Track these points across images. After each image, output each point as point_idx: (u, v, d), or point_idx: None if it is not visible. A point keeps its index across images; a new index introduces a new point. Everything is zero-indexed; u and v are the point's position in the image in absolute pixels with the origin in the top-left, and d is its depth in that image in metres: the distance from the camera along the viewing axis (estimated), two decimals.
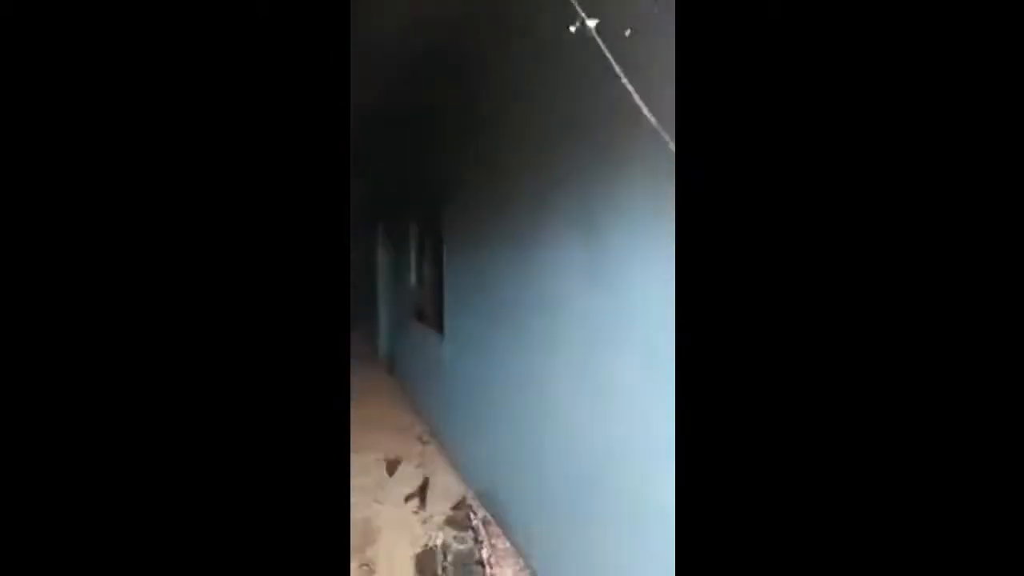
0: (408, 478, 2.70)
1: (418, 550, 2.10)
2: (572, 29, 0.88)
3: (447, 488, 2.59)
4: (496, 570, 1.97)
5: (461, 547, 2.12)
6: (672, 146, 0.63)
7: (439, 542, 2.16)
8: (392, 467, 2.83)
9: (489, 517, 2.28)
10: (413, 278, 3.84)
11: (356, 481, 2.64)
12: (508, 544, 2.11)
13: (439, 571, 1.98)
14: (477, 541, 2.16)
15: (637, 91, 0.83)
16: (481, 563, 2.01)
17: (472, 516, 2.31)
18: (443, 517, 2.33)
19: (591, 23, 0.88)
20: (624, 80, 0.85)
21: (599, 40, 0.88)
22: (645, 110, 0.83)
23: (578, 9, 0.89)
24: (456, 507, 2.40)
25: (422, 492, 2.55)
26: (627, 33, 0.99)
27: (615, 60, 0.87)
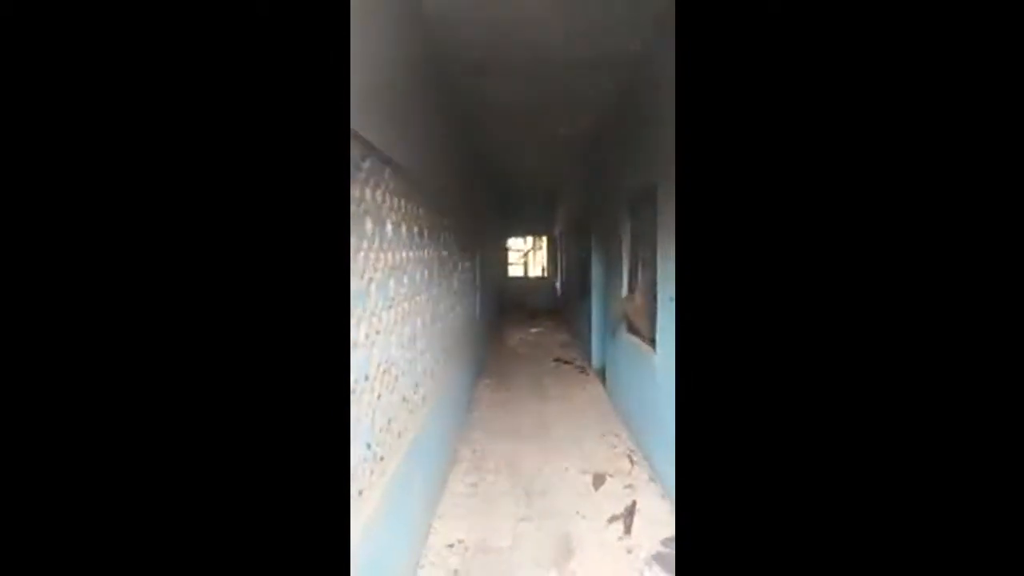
0: (614, 497, 2.54)
1: None
2: None
3: (656, 518, 2.32)
4: None
5: None
6: None
7: None
8: (599, 482, 2.72)
9: None
10: (626, 287, 3.68)
11: (560, 490, 2.64)
12: None
13: None
14: None
15: None
16: None
17: None
18: (651, 552, 2.08)
19: None
20: None
21: None
22: None
23: None
24: (666, 543, 2.12)
25: (628, 516, 2.36)
26: None
27: None
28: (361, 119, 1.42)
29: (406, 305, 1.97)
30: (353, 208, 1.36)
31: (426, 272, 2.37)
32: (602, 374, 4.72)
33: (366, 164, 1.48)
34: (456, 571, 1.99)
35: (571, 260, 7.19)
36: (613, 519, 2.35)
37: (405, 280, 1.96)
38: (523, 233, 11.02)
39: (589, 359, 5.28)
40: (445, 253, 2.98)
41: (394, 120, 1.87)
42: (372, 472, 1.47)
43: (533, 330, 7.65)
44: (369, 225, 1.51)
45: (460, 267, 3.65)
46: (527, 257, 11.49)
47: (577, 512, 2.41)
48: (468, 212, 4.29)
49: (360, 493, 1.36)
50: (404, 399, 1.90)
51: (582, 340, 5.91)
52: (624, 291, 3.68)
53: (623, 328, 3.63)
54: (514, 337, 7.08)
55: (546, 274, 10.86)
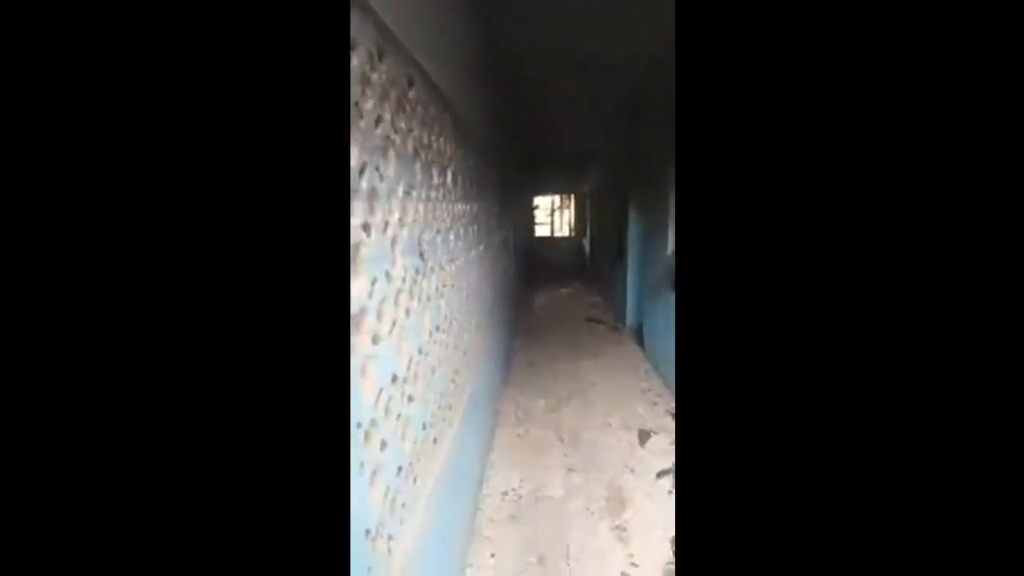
0: (660, 453, 2.56)
1: (673, 534, 1.96)
2: None
3: None
4: None
5: None
6: None
7: None
8: (644, 437, 2.74)
9: None
10: (670, 245, 3.57)
11: (606, 444, 2.67)
12: None
13: None
14: None
15: None
16: None
17: None
18: None
19: None
20: None
21: None
22: None
23: None
24: None
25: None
26: None
27: None
28: (429, 57, 1.33)
29: (462, 260, 1.94)
30: (424, 154, 1.30)
31: (476, 227, 2.32)
32: (637, 333, 4.69)
33: (431, 110, 1.41)
34: (514, 516, 2.05)
35: (603, 219, 7.01)
36: (662, 474, 2.37)
37: (463, 233, 1.92)
38: (550, 191, 10.77)
39: (623, 319, 5.24)
40: (492, 208, 2.91)
41: (450, 61, 1.76)
42: (444, 420, 1.49)
43: (563, 290, 7.61)
44: (434, 174, 1.45)
45: (500, 224, 3.59)
46: (554, 216, 11.28)
47: (625, 465, 2.45)
48: (505, 166, 4.17)
49: (435, 441, 1.38)
50: (464, 353, 1.90)
51: (614, 300, 5.85)
52: (669, 249, 3.57)
53: (666, 286, 3.55)
54: (544, 297, 7.06)
55: (574, 233, 10.68)
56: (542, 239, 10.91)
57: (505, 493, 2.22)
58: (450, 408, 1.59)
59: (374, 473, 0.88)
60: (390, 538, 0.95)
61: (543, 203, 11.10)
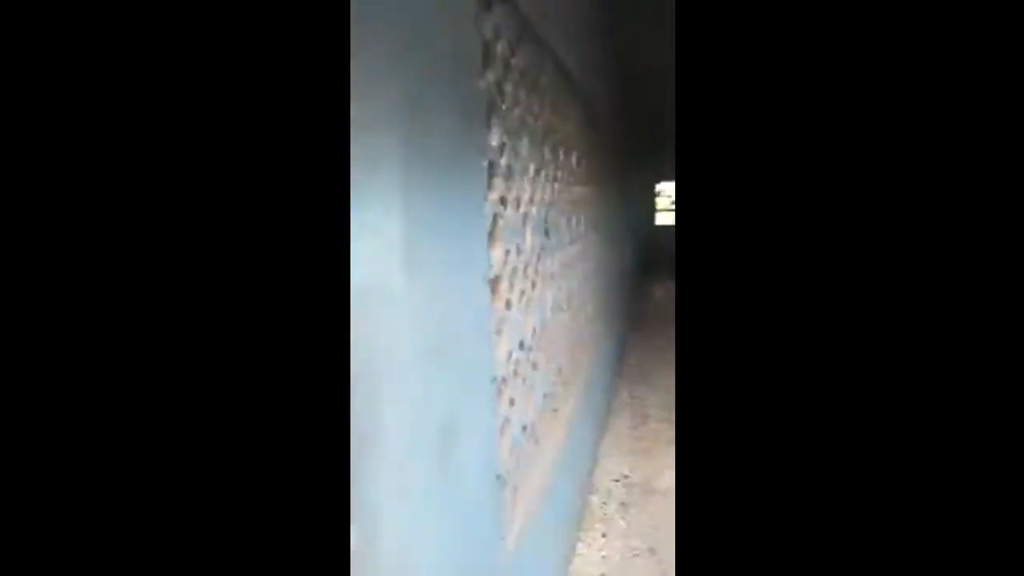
0: None
1: None
2: None
3: None
4: None
5: None
6: None
7: None
8: None
9: None
10: None
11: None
12: None
13: None
14: None
15: None
16: None
17: None
18: None
19: None
20: None
21: None
22: None
23: None
24: None
25: None
26: None
27: None
28: (559, 43, 1.37)
29: (581, 243, 1.96)
30: (551, 137, 1.36)
31: (596, 211, 2.32)
32: None
33: (561, 95, 1.45)
34: (624, 504, 2.05)
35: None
36: None
37: (583, 217, 1.94)
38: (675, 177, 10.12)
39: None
40: (611, 193, 2.88)
41: (579, 46, 1.78)
42: (561, 395, 1.56)
43: None
44: (560, 156, 1.50)
45: (620, 209, 3.52)
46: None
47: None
48: (627, 154, 4.05)
49: (554, 412, 1.45)
50: (581, 334, 1.94)
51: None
52: None
53: None
54: (662, 289, 6.72)
55: None
56: (664, 228, 10.34)
57: (616, 480, 2.22)
58: (567, 385, 1.64)
59: (503, 426, 0.97)
60: (515, 488, 1.04)
61: (668, 189, 10.50)
